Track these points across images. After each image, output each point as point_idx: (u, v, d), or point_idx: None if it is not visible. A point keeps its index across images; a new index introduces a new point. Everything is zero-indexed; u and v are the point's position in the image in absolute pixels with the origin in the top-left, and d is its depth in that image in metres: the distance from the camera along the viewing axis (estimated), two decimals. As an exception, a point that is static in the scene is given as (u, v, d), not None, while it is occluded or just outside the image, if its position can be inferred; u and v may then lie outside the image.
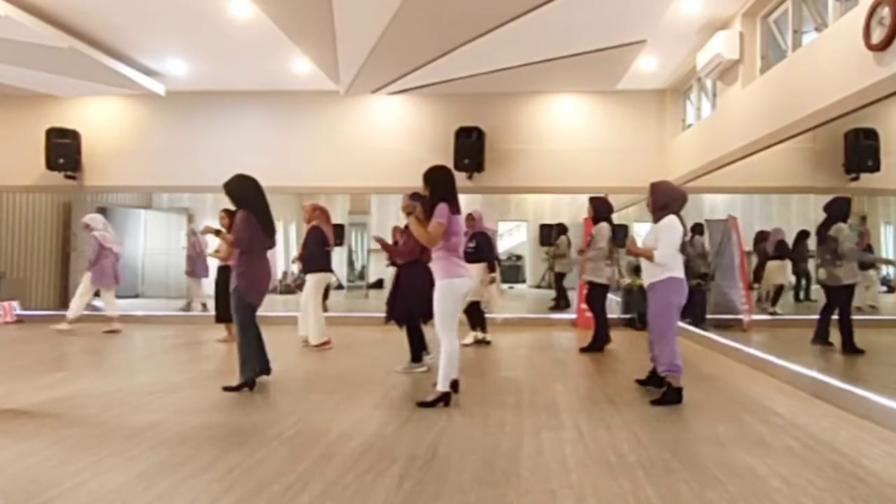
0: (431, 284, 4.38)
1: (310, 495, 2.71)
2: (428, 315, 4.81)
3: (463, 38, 6.55)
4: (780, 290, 8.07)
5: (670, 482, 2.90)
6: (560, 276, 10.69)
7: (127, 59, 8.33)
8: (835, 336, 5.80)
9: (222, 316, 6.96)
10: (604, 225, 6.76)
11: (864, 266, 6.40)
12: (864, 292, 6.84)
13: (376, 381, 5.15)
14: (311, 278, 6.80)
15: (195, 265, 10.36)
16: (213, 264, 7.77)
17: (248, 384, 4.72)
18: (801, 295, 8.06)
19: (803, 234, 7.37)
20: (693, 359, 6.50)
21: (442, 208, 4.23)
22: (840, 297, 5.74)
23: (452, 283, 4.25)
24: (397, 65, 7.42)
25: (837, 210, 5.83)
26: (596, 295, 6.89)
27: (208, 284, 9.19)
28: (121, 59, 8.26)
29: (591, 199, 6.96)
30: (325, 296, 7.98)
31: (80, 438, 3.49)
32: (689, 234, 7.12)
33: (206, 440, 3.50)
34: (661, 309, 4.46)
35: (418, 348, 5.61)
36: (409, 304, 5.37)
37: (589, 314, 8.91)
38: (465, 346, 6.88)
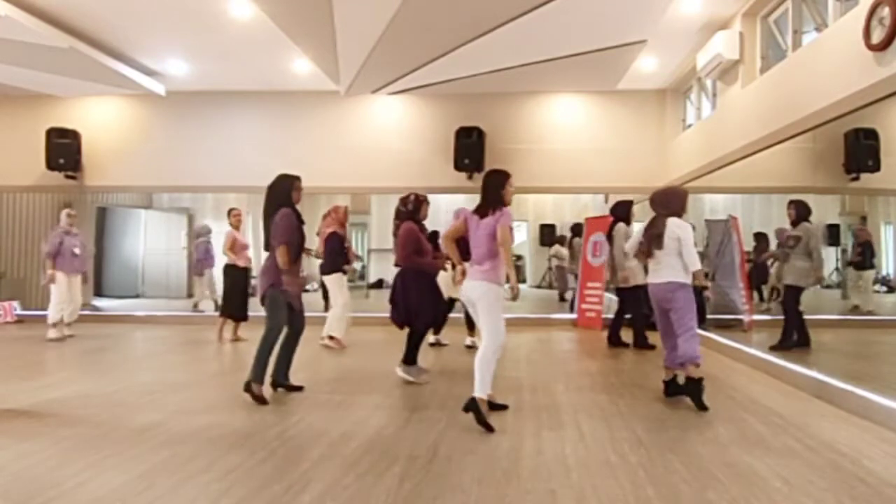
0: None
1: (310, 495, 2.71)
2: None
3: (463, 38, 6.55)
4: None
5: (670, 482, 2.91)
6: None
7: (127, 59, 8.33)
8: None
9: (234, 314, 7.29)
10: (621, 225, 7.00)
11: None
12: (860, 293, 6.85)
13: (377, 381, 5.15)
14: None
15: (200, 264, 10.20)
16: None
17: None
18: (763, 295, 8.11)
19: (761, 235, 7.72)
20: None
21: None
22: (799, 295, 6.01)
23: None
24: (397, 65, 7.41)
25: (801, 210, 6.13)
26: (635, 299, 6.88)
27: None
28: (121, 59, 8.26)
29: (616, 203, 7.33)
30: (325, 295, 7.96)
31: (80, 438, 3.50)
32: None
33: (206, 440, 3.50)
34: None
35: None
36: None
37: (591, 314, 8.98)
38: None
